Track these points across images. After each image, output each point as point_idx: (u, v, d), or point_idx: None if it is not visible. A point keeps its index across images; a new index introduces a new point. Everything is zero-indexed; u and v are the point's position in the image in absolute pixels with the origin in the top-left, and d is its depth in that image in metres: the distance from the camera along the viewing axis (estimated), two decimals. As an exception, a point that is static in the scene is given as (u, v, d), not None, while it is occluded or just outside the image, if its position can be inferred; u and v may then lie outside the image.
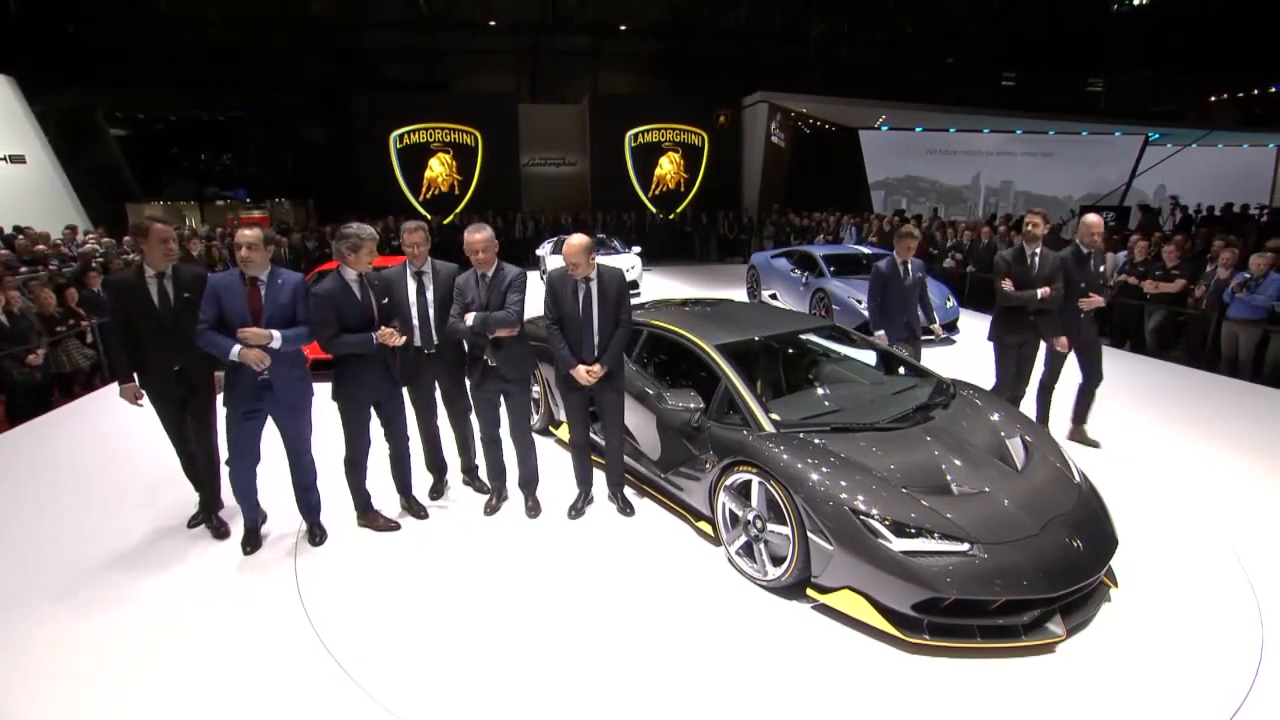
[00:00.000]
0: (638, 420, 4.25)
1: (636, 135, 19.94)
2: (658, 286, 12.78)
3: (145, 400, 3.74)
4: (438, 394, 4.21)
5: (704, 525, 3.83)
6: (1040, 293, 4.66)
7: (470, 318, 3.74)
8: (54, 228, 12.08)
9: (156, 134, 20.33)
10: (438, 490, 4.38)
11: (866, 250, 10.50)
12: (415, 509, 4.15)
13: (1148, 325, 8.03)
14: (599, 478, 4.33)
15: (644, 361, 4.57)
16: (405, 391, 4.06)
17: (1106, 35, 22.56)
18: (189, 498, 4.01)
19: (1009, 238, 10.76)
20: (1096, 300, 4.80)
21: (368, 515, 4.01)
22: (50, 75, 16.27)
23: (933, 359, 5.05)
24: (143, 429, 3.82)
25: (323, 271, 8.36)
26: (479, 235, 3.76)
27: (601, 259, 3.96)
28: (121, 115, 19.24)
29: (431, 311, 3.94)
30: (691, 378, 4.42)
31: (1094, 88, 24.66)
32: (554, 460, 4.69)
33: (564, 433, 4.95)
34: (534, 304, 4.21)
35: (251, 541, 3.73)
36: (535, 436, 4.38)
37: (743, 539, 3.49)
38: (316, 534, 3.85)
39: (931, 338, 5.56)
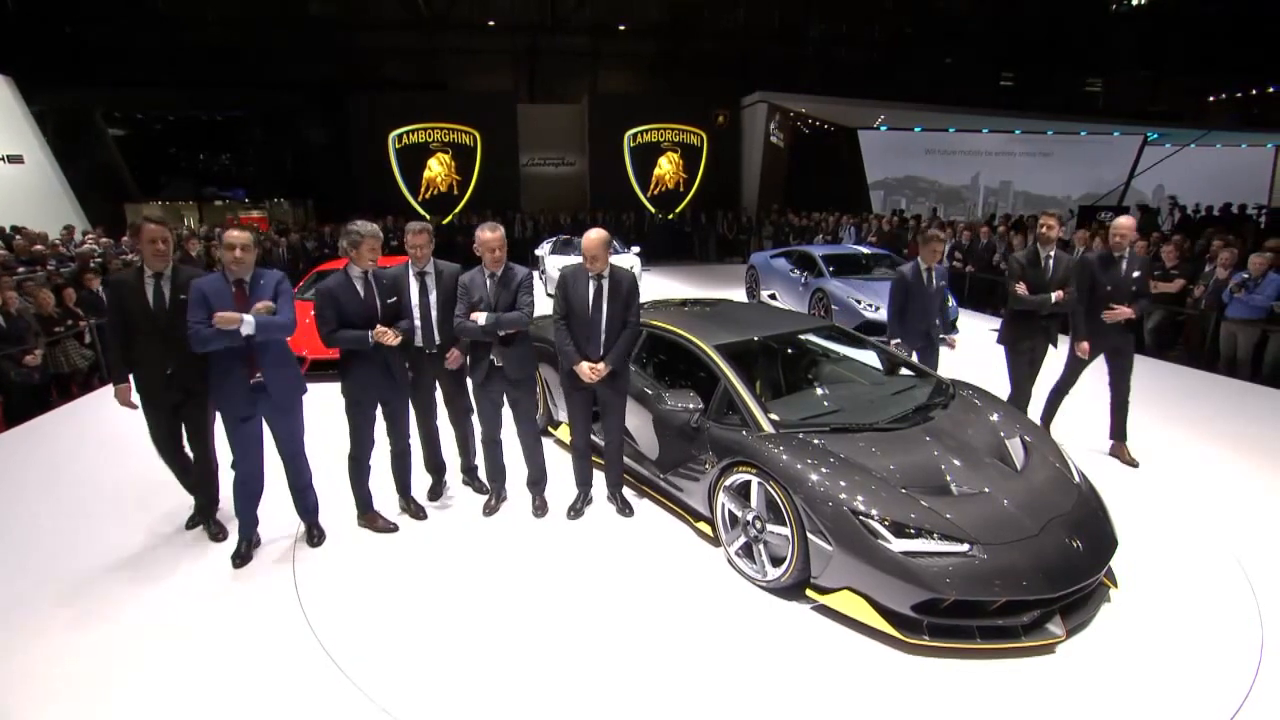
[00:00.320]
0: (637, 421, 4.24)
1: (635, 135, 19.93)
2: (657, 286, 12.77)
3: (138, 401, 3.69)
4: (438, 394, 4.21)
5: (703, 526, 3.83)
6: (1054, 296, 4.53)
7: (482, 317, 3.73)
8: (52, 228, 12.07)
9: (155, 134, 20.33)
10: (436, 491, 4.37)
11: (866, 250, 10.51)
12: (414, 509, 4.15)
13: (1146, 325, 8.03)
14: (598, 478, 4.32)
15: (643, 362, 4.57)
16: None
17: (1105, 35, 22.57)
18: (186, 498, 4.00)
19: (1008, 238, 10.76)
20: (1123, 311, 4.47)
21: (367, 515, 4.00)
22: (48, 75, 16.26)
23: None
24: (141, 430, 3.80)
25: (321, 272, 8.38)
26: (494, 234, 3.77)
27: None
28: (120, 115, 19.24)
29: (434, 312, 3.94)
30: (690, 378, 4.42)
31: (1093, 88, 24.67)
32: (552, 461, 4.68)
33: (563, 433, 4.95)
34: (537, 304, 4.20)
35: (242, 557, 3.65)
36: (535, 437, 4.37)
37: (742, 540, 3.48)
38: (315, 535, 3.85)
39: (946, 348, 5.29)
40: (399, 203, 18.59)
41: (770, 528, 3.32)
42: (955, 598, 2.79)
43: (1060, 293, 4.55)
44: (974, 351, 5.12)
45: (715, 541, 3.70)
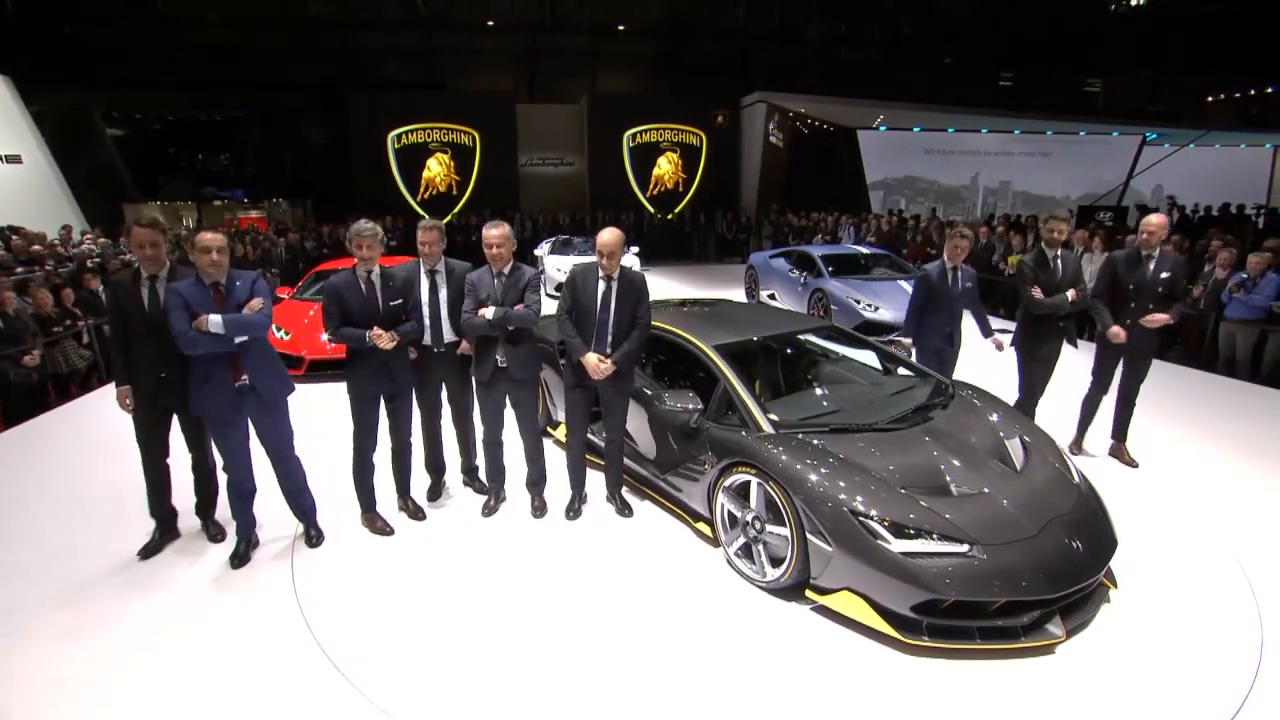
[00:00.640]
0: (636, 421, 4.24)
1: (635, 135, 19.93)
2: (656, 287, 12.65)
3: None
4: (443, 394, 4.21)
5: (702, 526, 3.82)
6: (1070, 295, 4.47)
7: (489, 312, 3.73)
8: (50, 228, 12.05)
9: (154, 134, 20.31)
10: (436, 491, 4.37)
11: (865, 250, 10.50)
12: (413, 509, 4.14)
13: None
14: (594, 479, 4.32)
15: (642, 362, 4.57)
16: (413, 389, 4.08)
17: (1104, 35, 22.58)
18: (184, 499, 3.97)
19: (1007, 238, 10.77)
20: (1159, 318, 4.35)
21: (368, 515, 4.01)
22: (47, 75, 16.24)
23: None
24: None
25: (320, 272, 8.38)
26: (495, 231, 3.79)
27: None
28: (118, 115, 19.22)
29: (444, 310, 3.94)
30: (690, 378, 4.42)
31: (1091, 88, 24.68)
32: (551, 461, 4.68)
33: (561, 433, 4.94)
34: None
35: (240, 557, 3.66)
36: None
37: (741, 540, 3.48)
38: (313, 536, 3.84)
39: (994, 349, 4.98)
40: (398, 203, 18.59)
41: (769, 528, 3.31)
42: (955, 598, 2.79)
43: (1073, 291, 4.49)
44: (974, 353, 5.08)
45: (714, 542, 3.70)
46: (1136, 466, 4.70)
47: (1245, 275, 6.90)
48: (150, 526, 3.82)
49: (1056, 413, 4.92)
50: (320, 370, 6.84)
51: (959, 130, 20.81)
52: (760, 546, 3.38)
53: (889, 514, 2.97)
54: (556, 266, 11.87)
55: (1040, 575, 2.84)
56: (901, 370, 4.56)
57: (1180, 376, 7.08)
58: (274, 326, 7.08)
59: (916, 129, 20.44)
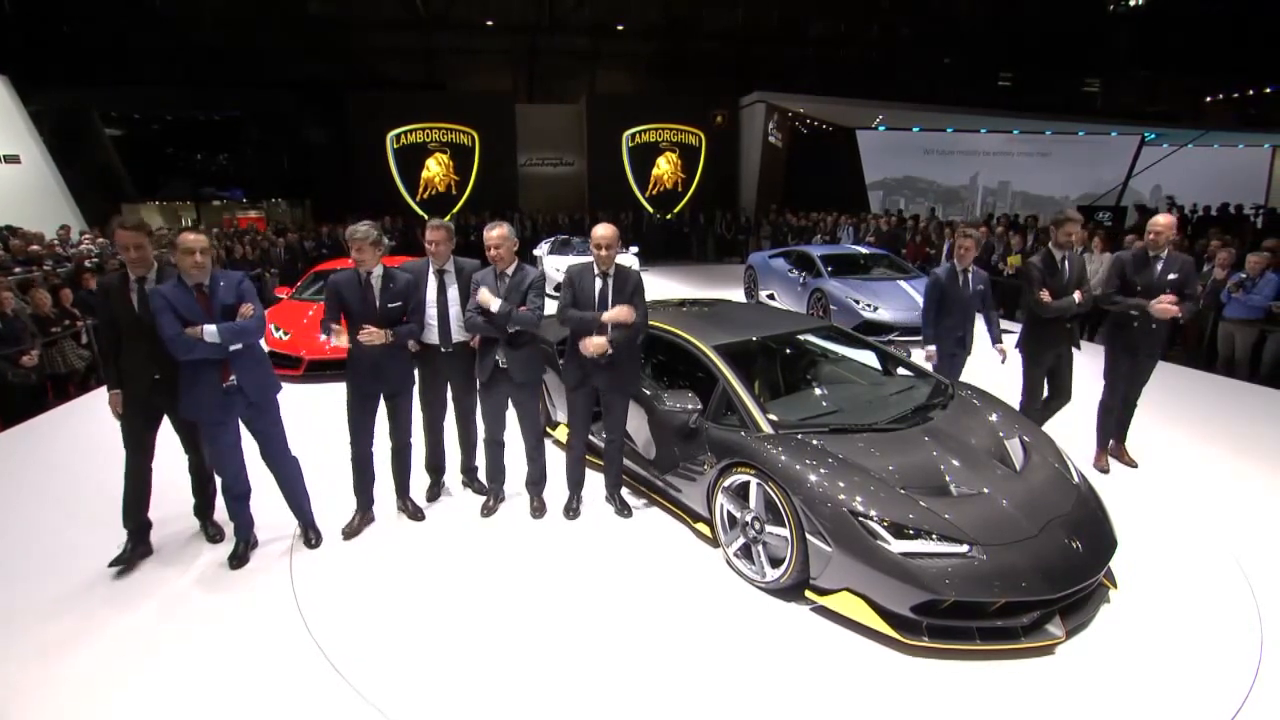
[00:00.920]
0: (636, 421, 4.23)
1: (634, 135, 19.92)
2: (655, 287, 12.74)
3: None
4: (448, 393, 4.21)
5: (702, 527, 3.82)
6: (1076, 297, 4.42)
7: (495, 304, 3.71)
8: (49, 228, 12.03)
9: (152, 134, 20.25)
10: (435, 492, 4.37)
11: (864, 250, 10.51)
12: (412, 510, 4.14)
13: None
14: (593, 479, 4.31)
15: (641, 362, 4.55)
16: (416, 389, 4.08)
17: (1103, 36, 22.59)
18: (183, 500, 3.96)
19: (1006, 238, 10.77)
20: (1168, 302, 4.20)
21: (363, 514, 4.01)
22: (45, 75, 16.21)
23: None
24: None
25: (319, 272, 8.37)
26: (494, 232, 3.79)
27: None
28: (117, 115, 19.15)
29: (452, 310, 3.94)
30: (689, 378, 4.41)
31: (1090, 88, 24.69)
32: (551, 461, 4.67)
33: (562, 434, 4.93)
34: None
35: (239, 558, 3.65)
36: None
37: (741, 540, 3.47)
38: (311, 536, 3.83)
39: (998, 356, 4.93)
40: (397, 203, 18.57)
41: (769, 529, 3.31)
42: (954, 599, 2.79)
43: (1079, 293, 4.44)
44: (976, 353, 5.06)
45: (714, 542, 3.69)
46: (1136, 466, 4.69)
47: (1244, 275, 6.91)
48: (122, 538, 3.67)
49: (1074, 420, 4.81)
50: (319, 370, 6.84)
51: (958, 130, 20.80)
52: (760, 547, 3.37)
53: (889, 514, 2.97)
54: (555, 266, 11.86)
55: (1040, 575, 2.84)
56: (901, 370, 4.55)
57: (1179, 376, 7.08)
58: (272, 326, 7.11)
59: (915, 129, 20.44)
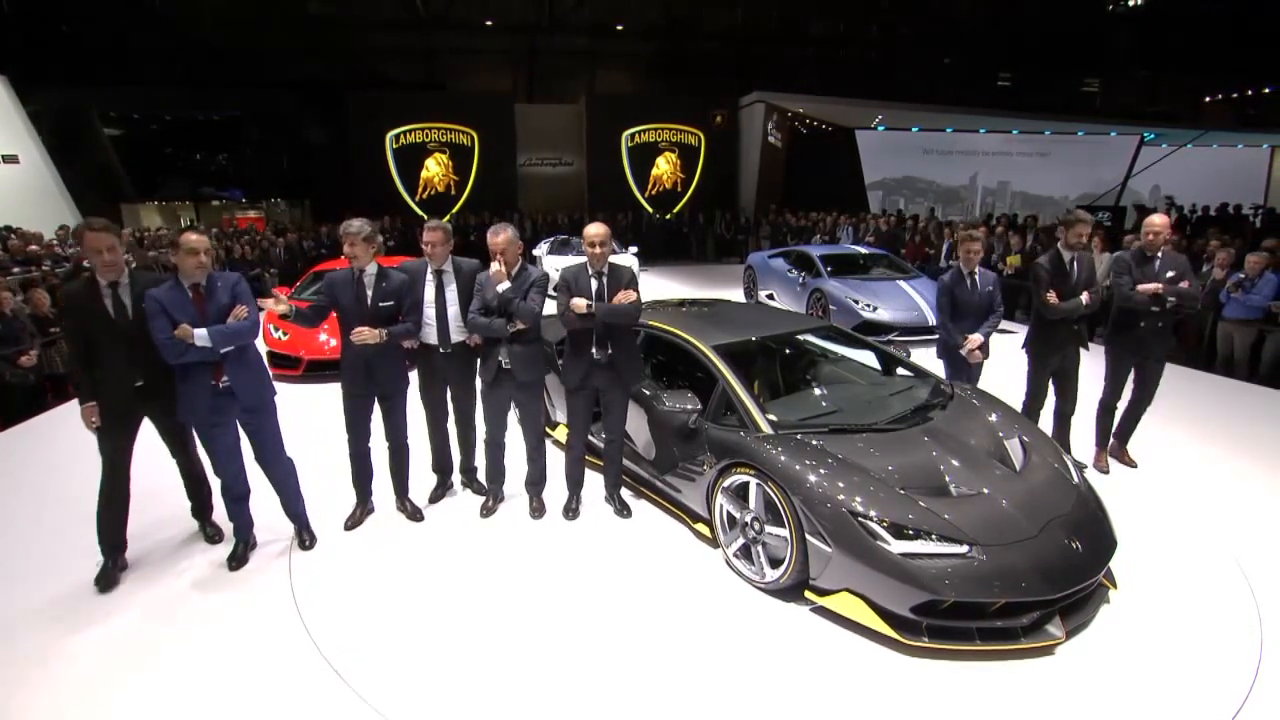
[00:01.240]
0: (635, 421, 4.23)
1: (633, 135, 19.93)
2: (654, 287, 12.76)
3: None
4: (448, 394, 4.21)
5: (701, 527, 3.81)
6: (1083, 299, 4.37)
7: (504, 284, 3.70)
8: (47, 228, 12.05)
9: (151, 134, 20.26)
10: (439, 493, 4.36)
11: (863, 250, 10.51)
12: (411, 511, 4.13)
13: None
14: (593, 479, 4.31)
15: (641, 361, 4.55)
16: (418, 390, 4.09)
17: (1103, 36, 22.61)
18: (179, 503, 3.95)
19: (1005, 238, 10.77)
20: (1153, 287, 4.27)
21: (366, 506, 4.04)
22: (45, 74, 16.20)
23: (933, 361, 5.00)
24: (140, 431, 3.74)
25: (318, 272, 8.36)
26: (499, 237, 3.76)
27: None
28: (116, 115, 19.17)
29: (451, 311, 3.92)
30: (688, 379, 4.41)
31: (1090, 88, 24.71)
32: (550, 462, 4.67)
33: (561, 434, 4.93)
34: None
35: (238, 559, 3.64)
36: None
37: (740, 541, 3.47)
38: (305, 538, 3.82)
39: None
40: (396, 203, 18.56)
41: (769, 529, 3.30)
42: (954, 599, 2.78)
43: (1086, 294, 4.39)
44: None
45: (714, 543, 3.69)
46: (1135, 467, 4.69)
47: (1243, 275, 6.91)
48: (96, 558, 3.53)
49: (1074, 419, 4.73)
50: (318, 370, 6.83)
51: (957, 130, 20.81)
52: (759, 547, 3.37)
53: (888, 515, 2.97)
54: (555, 267, 11.84)
55: (1040, 576, 2.84)
56: (900, 370, 4.55)
57: (1178, 376, 7.07)
58: (271, 326, 7.10)
59: (915, 129, 20.45)
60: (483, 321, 3.78)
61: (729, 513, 3.55)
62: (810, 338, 4.87)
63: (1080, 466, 3.67)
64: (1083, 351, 4.62)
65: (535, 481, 4.19)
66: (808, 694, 2.68)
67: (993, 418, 3.80)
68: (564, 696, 2.67)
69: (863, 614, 2.95)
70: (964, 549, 2.88)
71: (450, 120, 19.14)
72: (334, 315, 3.80)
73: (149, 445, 3.66)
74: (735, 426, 3.64)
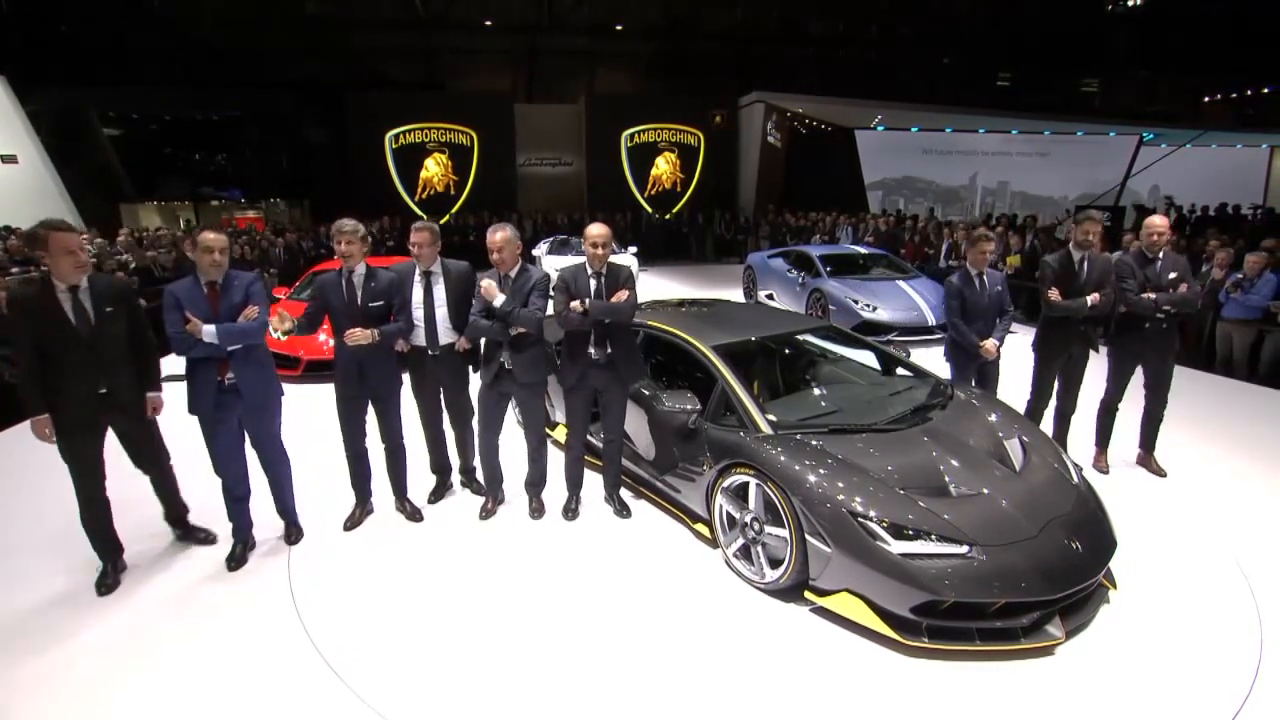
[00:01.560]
0: (634, 421, 4.23)
1: (633, 135, 19.92)
2: (654, 287, 12.76)
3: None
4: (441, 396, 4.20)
5: (701, 527, 3.81)
6: (1090, 300, 4.33)
7: (499, 299, 3.69)
8: (47, 228, 12.00)
9: (150, 134, 20.24)
10: (439, 493, 4.36)
11: (863, 250, 10.51)
12: (410, 511, 4.13)
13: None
14: (592, 480, 4.31)
15: (641, 360, 4.55)
16: (411, 391, 4.08)
17: (1102, 36, 22.63)
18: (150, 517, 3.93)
19: (1005, 238, 10.77)
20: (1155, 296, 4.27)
21: (365, 506, 4.04)
22: (44, 74, 16.19)
23: (933, 361, 5.00)
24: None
25: (318, 272, 8.35)
26: (497, 236, 3.75)
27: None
28: (115, 115, 19.15)
29: (439, 312, 3.91)
30: (688, 379, 4.41)
31: (1089, 88, 24.74)
32: (550, 462, 4.67)
33: (561, 434, 4.93)
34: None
35: (237, 559, 3.64)
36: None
37: (740, 541, 3.47)
38: (292, 534, 3.84)
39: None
40: (396, 203, 18.56)
41: (768, 529, 3.30)
42: (954, 599, 2.78)
43: (1096, 295, 4.33)
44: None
45: (713, 543, 3.69)
46: (1165, 476, 4.60)
47: (1242, 275, 6.91)
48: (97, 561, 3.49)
49: (1074, 419, 4.75)
50: (318, 371, 6.83)
51: (957, 130, 20.83)
52: (759, 548, 3.37)
53: (888, 515, 2.96)
54: (554, 267, 11.83)
55: (1039, 576, 2.84)
56: (900, 371, 4.55)
57: (1178, 376, 6.96)
58: (271, 327, 7.09)
59: (914, 129, 20.46)
60: (484, 325, 3.77)
61: (729, 513, 3.55)
62: (810, 338, 4.86)
63: (1078, 467, 3.67)
64: (1091, 353, 4.60)
65: (535, 482, 4.18)
66: (808, 694, 2.68)
67: (992, 418, 3.80)
68: (564, 697, 2.67)
69: (862, 614, 2.95)
70: (964, 549, 2.88)
71: (450, 120, 19.13)
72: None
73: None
74: (735, 427, 3.64)
